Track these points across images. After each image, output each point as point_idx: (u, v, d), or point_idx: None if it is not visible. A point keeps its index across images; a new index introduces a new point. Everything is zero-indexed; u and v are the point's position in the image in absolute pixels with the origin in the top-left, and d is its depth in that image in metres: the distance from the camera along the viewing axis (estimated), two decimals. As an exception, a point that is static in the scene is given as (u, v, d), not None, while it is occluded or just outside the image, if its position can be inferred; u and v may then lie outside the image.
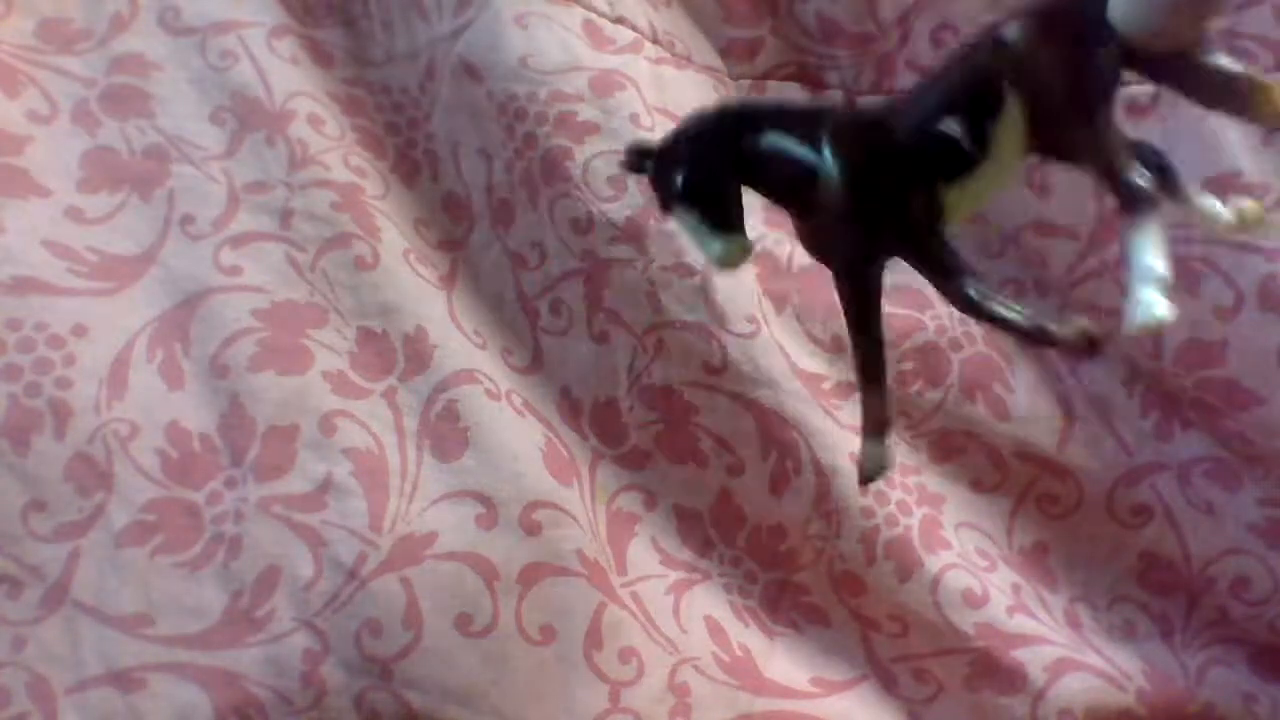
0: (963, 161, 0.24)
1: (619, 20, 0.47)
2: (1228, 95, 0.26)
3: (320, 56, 0.47)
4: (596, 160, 0.44)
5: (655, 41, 0.48)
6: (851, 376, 0.45)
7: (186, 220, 0.43)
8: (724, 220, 0.25)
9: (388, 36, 0.47)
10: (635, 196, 0.44)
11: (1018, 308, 0.25)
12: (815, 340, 0.45)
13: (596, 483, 0.45)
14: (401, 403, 0.42)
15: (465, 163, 0.46)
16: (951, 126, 0.24)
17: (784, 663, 0.44)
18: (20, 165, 0.42)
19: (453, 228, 0.47)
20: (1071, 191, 0.46)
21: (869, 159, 0.25)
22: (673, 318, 0.44)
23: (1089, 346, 0.25)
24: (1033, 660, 0.44)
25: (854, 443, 0.44)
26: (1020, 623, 0.45)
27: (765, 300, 0.45)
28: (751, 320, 0.44)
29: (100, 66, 0.44)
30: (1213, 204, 0.26)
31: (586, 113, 0.44)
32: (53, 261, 0.40)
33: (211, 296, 0.42)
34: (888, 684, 0.45)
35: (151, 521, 0.39)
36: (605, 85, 0.45)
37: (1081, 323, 0.24)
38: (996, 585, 0.45)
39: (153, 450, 0.39)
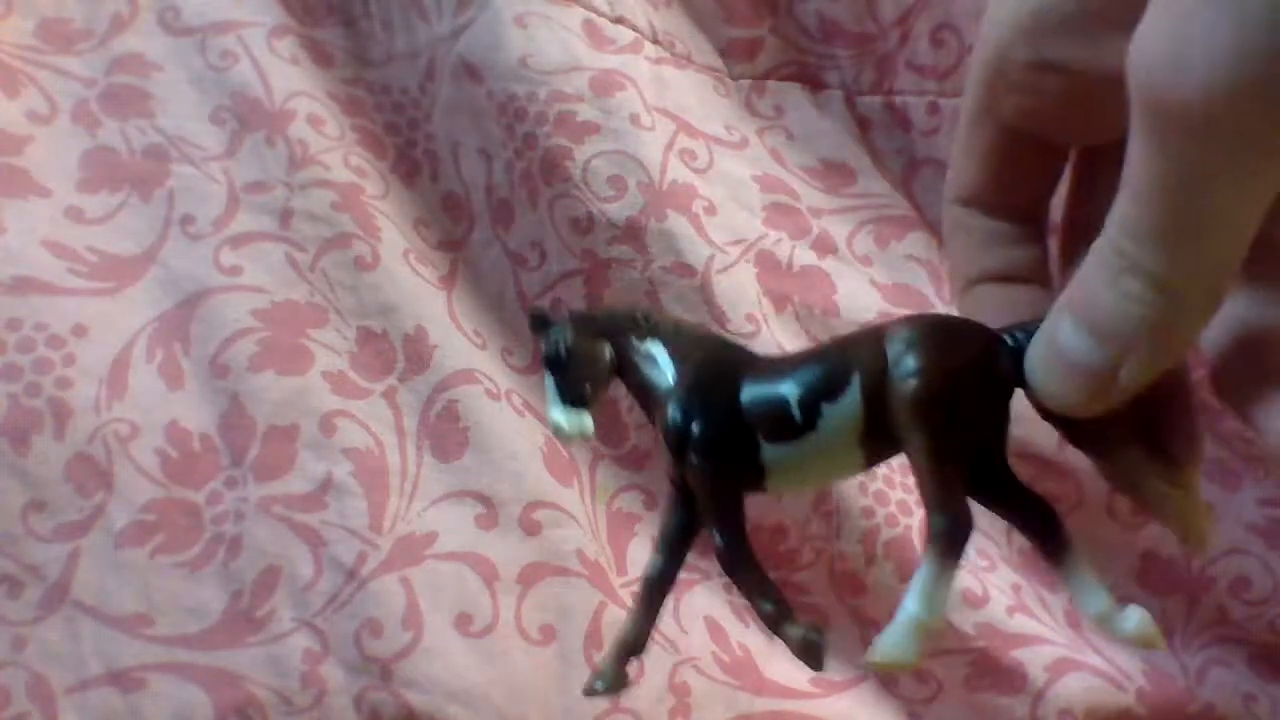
0: (789, 427, 0.24)
1: (619, 20, 0.47)
2: (1153, 495, 0.24)
3: (320, 56, 0.47)
4: (596, 160, 0.44)
5: (655, 41, 0.48)
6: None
7: (186, 220, 0.43)
8: (575, 396, 0.26)
9: (388, 36, 0.47)
10: (635, 196, 0.44)
11: (769, 593, 0.25)
12: (815, 340, 0.45)
13: (596, 483, 0.45)
14: (401, 403, 0.42)
15: (465, 163, 0.46)
16: (788, 391, 0.24)
17: (784, 663, 0.44)
18: (20, 165, 0.42)
19: (453, 228, 0.47)
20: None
21: (704, 393, 0.25)
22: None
23: (808, 656, 0.24)
24: (1033, 660, 0.44)
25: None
26: (1020, 623, 0.45)
27: (765, 300, 0.45)
28: (751, 320, 0.44)
29: (100, 66, 0.44)
30: (1102, 605, 0.23)
31: (586, 113, 0.44)
32: (53, 261, 0.40)
33: (211, 296, 0.42)
34: (888, 684, 0.45)
35: (151, 521, 0.39)
36: (605, 85, 0.45)
37: (812, 634, 0.24)
38: (996, 585, 0.45)
39: (153, 450, 0.39)
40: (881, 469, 0.45)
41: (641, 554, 0.44)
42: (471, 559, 0.40)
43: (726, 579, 0.26)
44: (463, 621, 0.40)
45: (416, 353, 0.43)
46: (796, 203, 0.48)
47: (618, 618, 0.42)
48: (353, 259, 0.43)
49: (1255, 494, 0.46)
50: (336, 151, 0.45)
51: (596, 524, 0.44)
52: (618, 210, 0.44)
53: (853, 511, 0.44)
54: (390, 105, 0.47)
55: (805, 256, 0.47)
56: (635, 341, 0.27)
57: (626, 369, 0.27)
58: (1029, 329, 0.24)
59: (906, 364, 0.23)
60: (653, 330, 0.27)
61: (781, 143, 0.49)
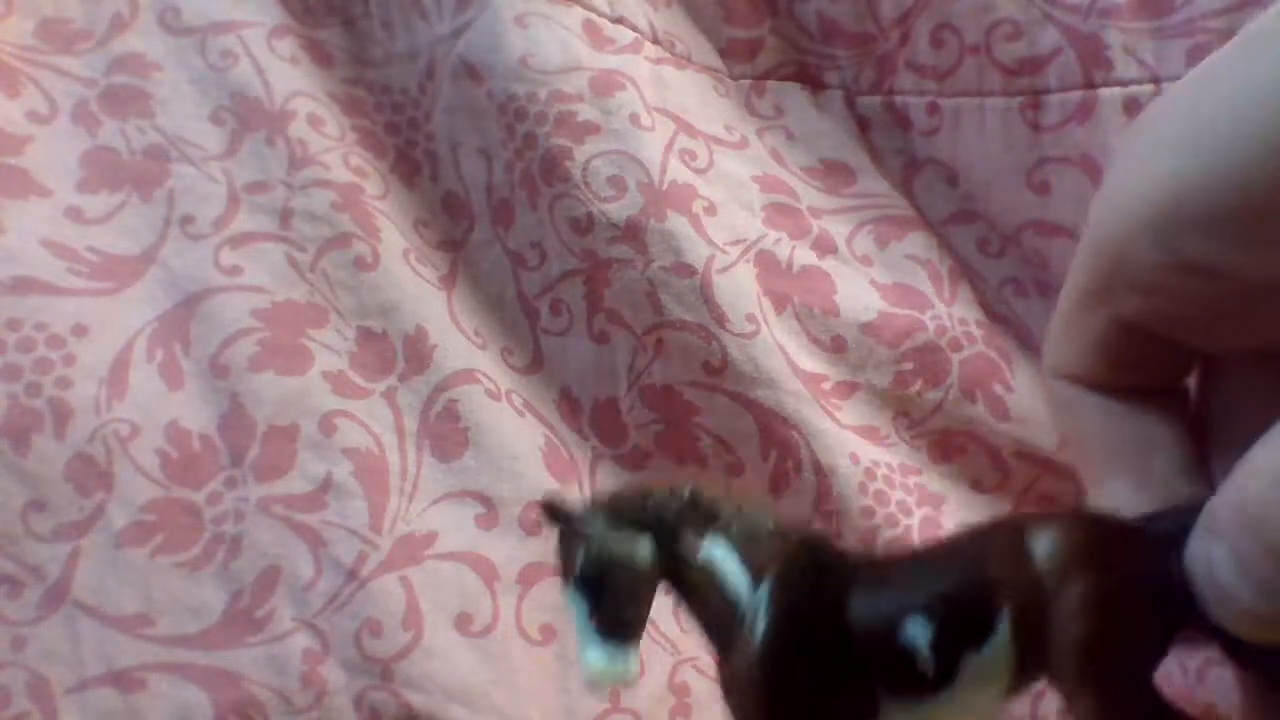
0: (917, 680, 0.19)
1: (619, 20, 0.47)
2: None
3: (320, 56, 0.47)
4: (596, 160, 0.44)
5: (655, 41, 0.48)
6: (852, 376, 0.45)
7: (186, 220, 0.43)
8: (616, 627, 0.19)
9: (388, 36, 0.47)
10: (635, 196, 0.44)
11: None
12: (815, 340, 0.45)
13: (597, 483, 0.45)
14: (401, 403, 0.42)
15: (465, 163, 0.46)
16: (918, 633, 0.18)
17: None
18: (20, 165, 0.42)
19: (453, 228, 0.47)
20: (1072, 191, 0.46)
21: (804, 626, 0.19)
22: (673, 318, 0.44)
23: None
24: (1033, 660, 0.44)
25: (854, 442, 0.45)
26: (1020, 623, 0.45)
27: (765, 300, 0.45)
28: (751, 320, 0.44)
29: (100, 66, 0.44)
30: None
31: (586, 113, 0.44)
32: (53, 261, 0.40)
33: (211, 296, 0.42)
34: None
35: (151, 521, 0.39)
36: (605, 85, 0.45)
37: None
38: (996, 585, 0.45)
39: (153, 450, 0.39)
40: (880, 469, 0.45)
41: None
42: (471, 559, 0.40)
43: None
44: (463, 621, 0.40)
45: (416, 353, 0.43)
46: (796, 203, 0.48)
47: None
48: (353, 259, 0.43)
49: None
50: (336, 151, 0.45)
51: (596, 524, 0.44)
52: (618, 210, 0.44)
53: (852, 511, 0.44)
54: (390, 105, 0.47)
55: (805, 256, 0.47)
56: (689, 538, 0.20)
57: (679, 576, 0.20)
58: (1181, 519, 0.19)
59: (1069, 594, 0.18)
60: (711, 520, 0.20)
61: (781, 143, 0.49)
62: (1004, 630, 0.18)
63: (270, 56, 0.45)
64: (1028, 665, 0.18)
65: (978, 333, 0.47)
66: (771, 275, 0.46)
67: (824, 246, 0.47)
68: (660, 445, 0.45)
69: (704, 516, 0.20)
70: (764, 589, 0.19)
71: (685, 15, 0.49)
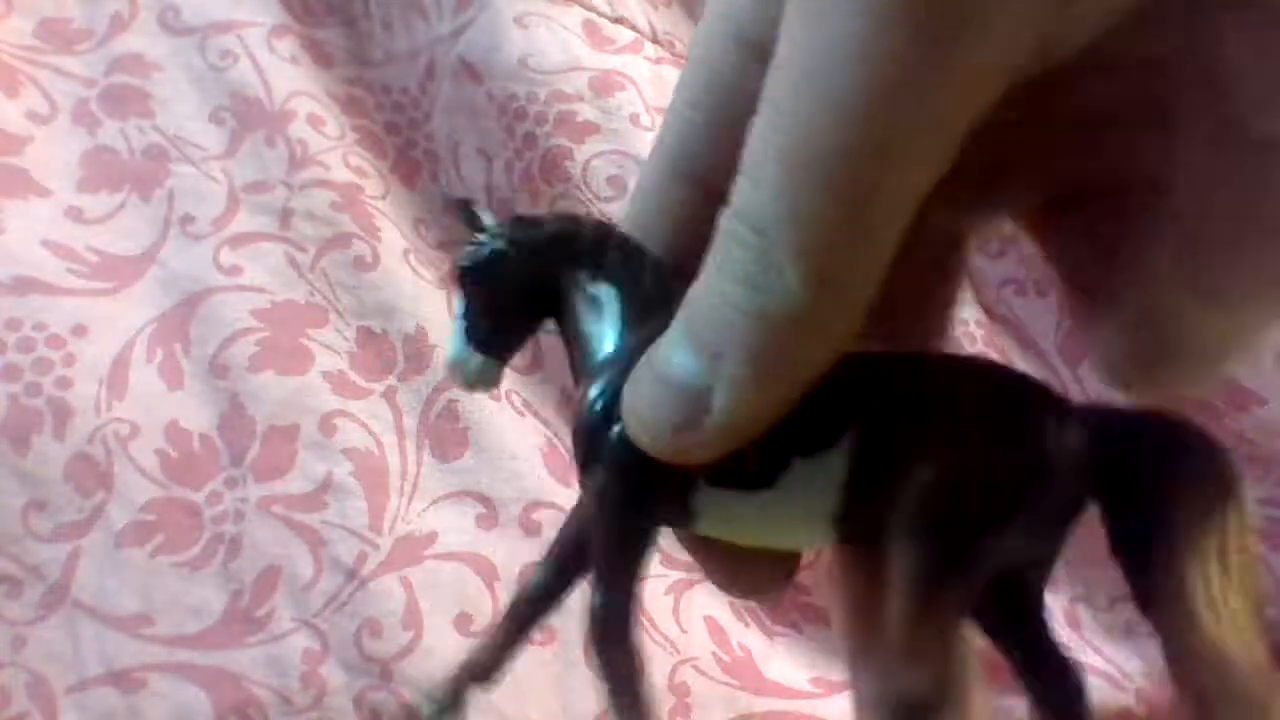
0: (739, 476, 0.17)
1: (619, 20, 0.47)
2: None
3: (320, 56, 0.47)
4: (596, 160, 0.44)
5: (655, 41, 0.48)
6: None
7: (186, 220, 0.43)
8: (483, 337, 0.19)
9: (388, 36, 0.47)
10: (635, 196, 0.44)
11: (634, 690, 0.18)
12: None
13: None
14: (401, 403, 0.42)
15: (465, 163, 0.46)
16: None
17: (784, 663, 0.44)
18: (20, 165, 0.42)
19: (453, 227, 0.47)
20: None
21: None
22: (673, 318, 0.44)
23: None
24: (1033, 660, 0.44)
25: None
26: (1020, 623, 0.45)
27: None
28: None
29: (100, 66, 0.44)
30: None
31: (586, 113, 0.44)
32: (53, 261, 0.40)
33: (211, 296, 0.42)
34: (888, 684, 0.45)
35: (151, 521, 0.39)
36: (605, 85, 0.45)
37: None
38: (996, 585, 0.45)
39: (153, 450, 0.39)
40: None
41: (641, 554, 0.44)
42: (471, 559, 0.40)
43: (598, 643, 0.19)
44: (463, 621, 0.39)
45: (416, 353, 0.43)
46: (796, 203, 0.48)
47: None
48: (353, 259, 0.43)
49: (1256, 494, 0.46)
50: (336, 151, 0.45)
51: (596, 524, 0.44)
52: (618, 210, 0.44)
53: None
54: (390, 105, 0.47)
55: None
56: (585, 276, 0.19)
57: (565, 310, 0.19)
58: (1109, 413, 0.16)
59: (928, 439, 0.15)
60: (614, 267, 0.19)
61: (781, 143, 0.49)
62: (842, 449, 0.16)
63: (270, 56, 0.45)
64: (861, 502, 0.16)
65: (978, 333, 0.47)
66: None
67: (824, 246, 0.47)
68: (660, 445, 0.45)
69: (612, 260, 0.19)
70: (627, 338, 0.18)
71: (685, 15, 0.49)
